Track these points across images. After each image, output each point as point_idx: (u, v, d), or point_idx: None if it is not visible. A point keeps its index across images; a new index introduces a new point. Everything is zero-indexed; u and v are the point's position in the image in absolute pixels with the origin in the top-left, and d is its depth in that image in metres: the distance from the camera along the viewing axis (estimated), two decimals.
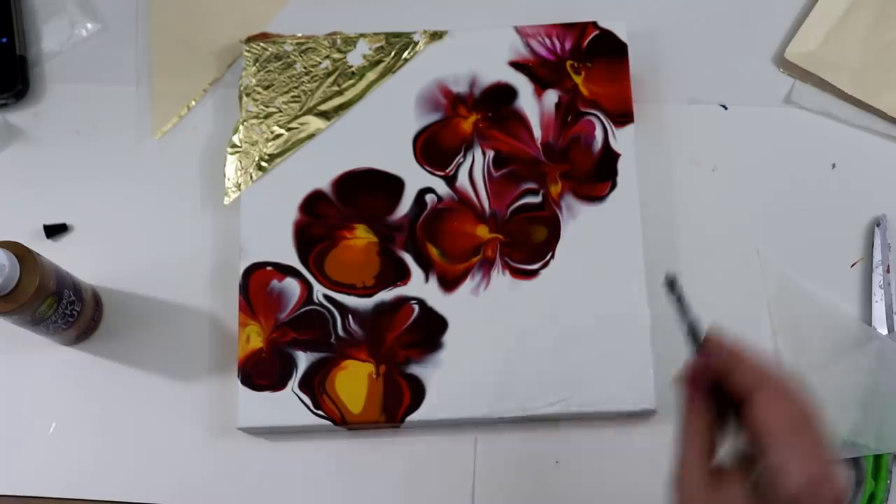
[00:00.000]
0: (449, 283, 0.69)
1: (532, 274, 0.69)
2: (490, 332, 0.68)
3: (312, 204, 0.71)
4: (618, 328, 0.68)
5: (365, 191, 0.71)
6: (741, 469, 0.46)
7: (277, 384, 0.67)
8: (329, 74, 0.74)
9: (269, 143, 0.72)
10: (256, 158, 0.72)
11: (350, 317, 0.68)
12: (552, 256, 0.69)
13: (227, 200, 0.71)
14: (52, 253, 0.66)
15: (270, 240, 0.70)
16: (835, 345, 0.69)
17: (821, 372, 0.67)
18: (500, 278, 0.69)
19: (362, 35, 0.75)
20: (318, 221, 0.70)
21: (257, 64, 0.74)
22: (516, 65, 0.73)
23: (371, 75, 0.74)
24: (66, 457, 0.69)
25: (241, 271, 0.69)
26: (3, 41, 0.76)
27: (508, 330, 0.68)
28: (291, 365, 0.68)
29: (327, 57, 0.74)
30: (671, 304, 0.50)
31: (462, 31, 0.74)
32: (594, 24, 0.74)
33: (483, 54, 0.74)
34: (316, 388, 0.67)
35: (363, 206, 0.71)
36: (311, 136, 0.72)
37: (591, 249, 0.69)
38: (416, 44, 0.74)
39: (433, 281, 0.69)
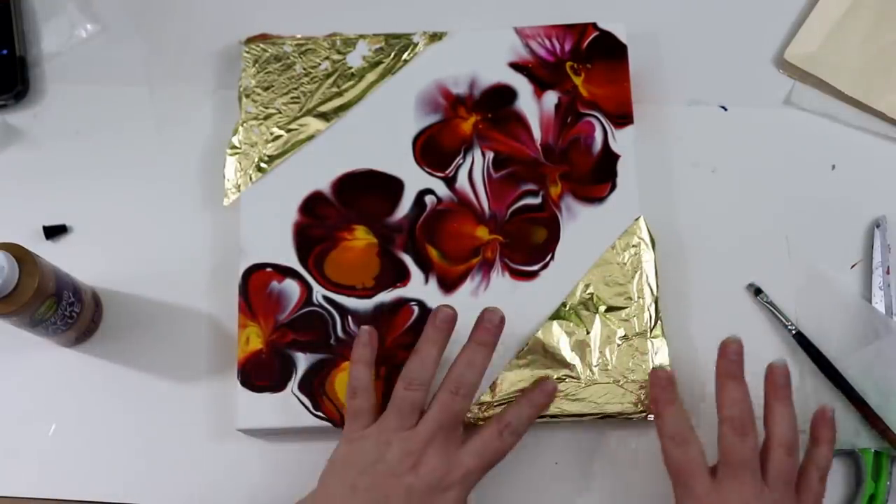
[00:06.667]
0: (449, 285, 0.69)
1: (532, 275, 0.69)
2: None
3: (312, 205, 0.71)
4: None
5: (364, 192, 0.71)
6: None
7: (277, 385, 0.67)
8: (328, 76, 0.74)
9: (269, 145, 0.72)
10: (256, 159, 0.72)
11: (350, 318, 0.68)
12: (552, 258, 0.69)
13: (226, 201, 0.71)
14: (52, 254, 0.65)
15: (270, 241, 0.70)
16: (856, 334, 0.69)
17: (842, 360, 0.68)
18: (500, 280, 0.69)
19: (362, 36, 0.75)
20: (318, 223, 0.70)
21: (257, 65, 0.74)
22: (516, 66, 0.73)
23: (371, 76, 0.74)
24: (65, 458, 0.69)
25: (241, 272, 0.69)
26: (4, 53, 0.76)
27: (508, 331, 0.68)
28: (291, 366, 0.67)
29: (327, 58, 0.74)
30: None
31: (462, 32, 0.74)
32: (594, 26, 0.74)
33: (483, 55, 0.74)
34: (315, 389, 0.67)
35: (363, 208, 0.71)
36: (310, 138, 0.72)
37: (591, 251, 0.69)
38: (415, 45, 0.74)
39: (433, 282, 0.69)
